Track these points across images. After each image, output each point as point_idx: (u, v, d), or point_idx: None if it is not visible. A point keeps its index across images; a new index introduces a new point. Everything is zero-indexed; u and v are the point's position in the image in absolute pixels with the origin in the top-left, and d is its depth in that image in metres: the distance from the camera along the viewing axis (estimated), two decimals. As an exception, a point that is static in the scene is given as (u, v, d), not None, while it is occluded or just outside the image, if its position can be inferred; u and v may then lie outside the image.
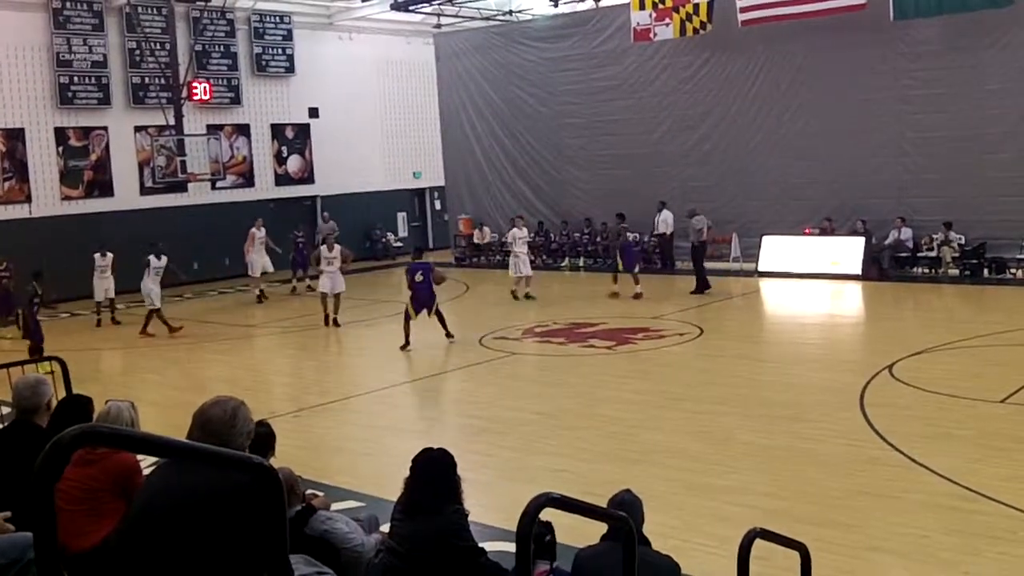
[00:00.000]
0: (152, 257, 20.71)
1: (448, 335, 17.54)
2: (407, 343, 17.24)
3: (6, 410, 8.04)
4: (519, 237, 23.04)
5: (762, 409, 11.97)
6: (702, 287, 22.11)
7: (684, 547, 7.00)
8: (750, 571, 5.11)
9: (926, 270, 23.15)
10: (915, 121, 23.12)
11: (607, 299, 21.93)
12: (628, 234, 23.28)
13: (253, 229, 25.01)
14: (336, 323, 20.08)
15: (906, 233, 23.24)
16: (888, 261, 23.42)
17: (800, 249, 24.38)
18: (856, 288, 22.46)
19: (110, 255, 21.79)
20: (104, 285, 21.83)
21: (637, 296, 21.70)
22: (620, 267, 22.44)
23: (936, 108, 22.75)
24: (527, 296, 22.60)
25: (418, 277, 17.45)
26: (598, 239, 28.28)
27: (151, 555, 3.40)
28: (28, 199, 26.13)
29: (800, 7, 23.42)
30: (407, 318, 17.35)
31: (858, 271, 23.06)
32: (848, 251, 23.58)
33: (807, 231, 24.63)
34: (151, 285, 20.40)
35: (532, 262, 24.76)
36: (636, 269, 22.42)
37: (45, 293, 18.26)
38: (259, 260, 24.89)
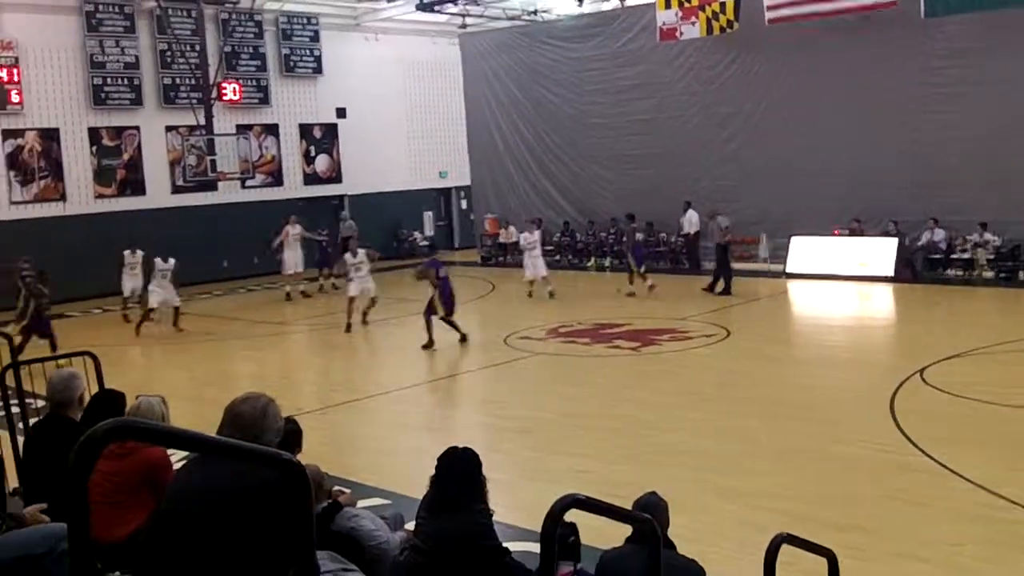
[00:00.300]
0: (158, 259, 20.76)
1: (463, 338, 17.48)
2: (431, 342, 17.27)
3: (40, 404, 8.12)
4: (530, 241, 23.38)
5: (790, 412, 11.91)
6: (720, 288, 22.09)
7: (709, 551, 6.96)
8: (776, 577, 5.10)
9: (960, 272, 22.89)
10: (947, 120, 22.78)
11: (629, 299, 22.02)
12: (637, 234, 23.64)
13: (288, 226, 25.09)
14: (364, 321, 19.98)
15: (939, 234, 22.99)
16: (921, 263, 23.22)
17: (830, 250, 24.24)
18: (887, 290, 22.30)
19: (140, 252, 21.94)
20: (133, 283, 21.99)
21: (651, 288, 22.23)
22: (635, 267, 22.88)
23: (969, 107, 22.39)
24: (551, 295, 22.73)
25: (442, 272, 17.54)
26: (623, 239, 28.24)
27: (180, 548, 3.44)
28: (63, 197, 26.48)
29: (829, 5, 23.25)
30: (431, 315, 17.33)
31: (890, 272, 22.88)
32: (880, 252, 23.41)
33: (836, 232, 24.48)
34: (152, 286, 20.52)
35: (557, 262, 25.06)
36: (643, 268, 22.85)
37: (51, 292, 18.46)
38: (292, 258, 24.97)
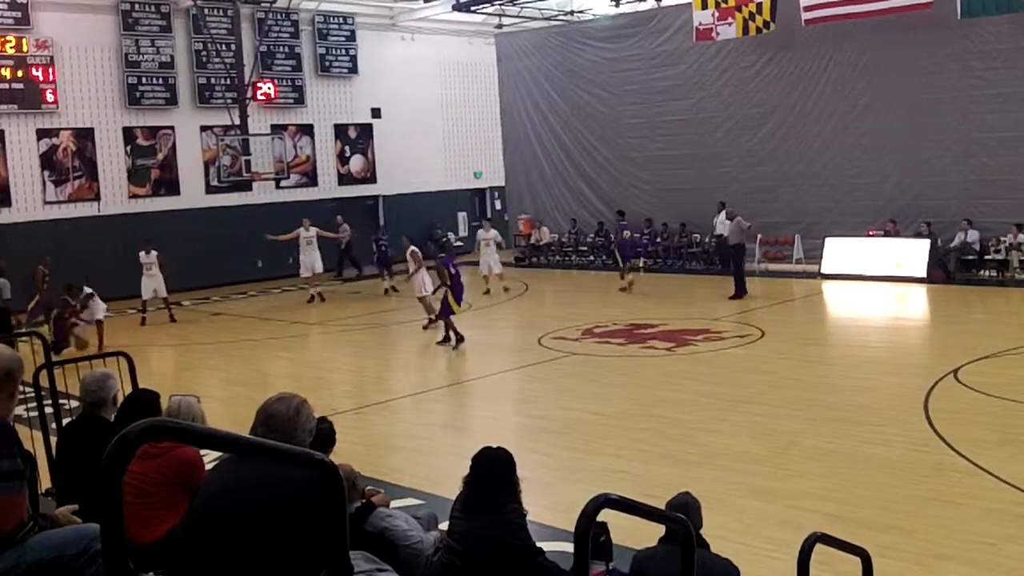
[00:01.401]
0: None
1: (452, 339, 17.52)
2: (461, 338, 17.28)
3: (73, 404, 8.17)
4: (484, 238, 24.44)
5: (824, 412, 11.84)
6: (741, 291, 21.91)
7: (743, 551, 6.94)
8: (810, 576, 5.06)
9: (994, 273, 22.71)
10: (983, 121, 22.69)
11: (664, 300, 22.00)
12: (625, 232, 24.53)
13: (300, 229, 24.76)
14: (428, 325, 19.35)
15: (973, 235, 22.82)
16: (954, 264, 23.04)
17: (864, 251, 24.07)
18: (921, 291, 22.14)
19: (155, 252, 21.95)
20: (152, 284, 21.88)
21: (622, 290, 23.25)
22: (622, 263, 24.04)
23: (1005, 108, 22.29)
24: (505, 289, 24.02)
25: (454, 269, 17.64)
26: (658, 239, 28.23)
27: (215, 548, 3.44)
28: (97, 197, 26.63)
29: (865, 6, 23.12)
30: (449, 315, 17.38)
31: (923, 274, 22.71)
32: (913, 253, 23.22)
33: (871, 233, 24.31)
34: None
35: (591, 262, 25.35)
36: (627, 264, 23.92)
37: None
38: (307, 260, 24.92)
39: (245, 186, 28.37)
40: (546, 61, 31.21)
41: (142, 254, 21.94)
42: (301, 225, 25.02)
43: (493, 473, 5.14)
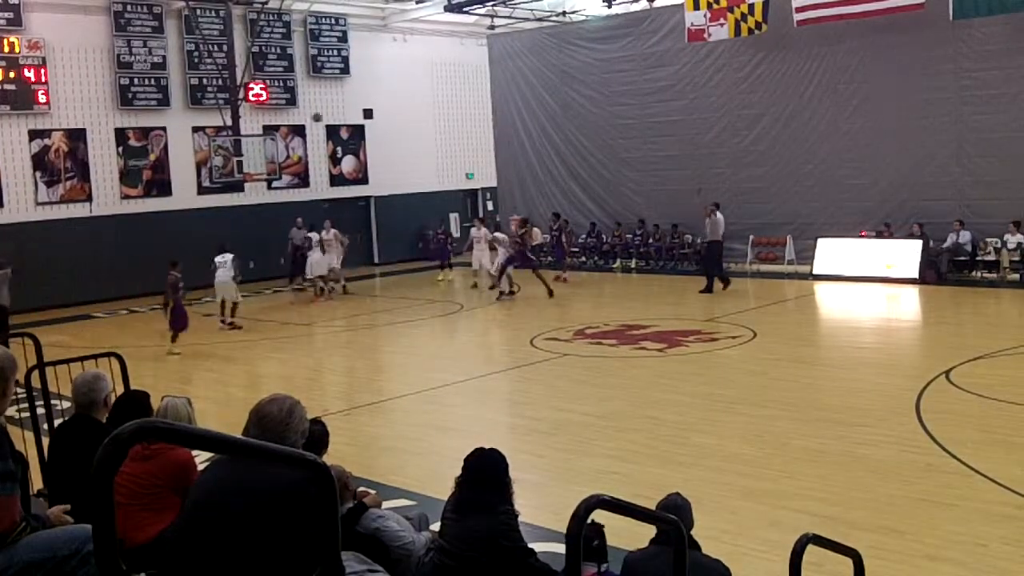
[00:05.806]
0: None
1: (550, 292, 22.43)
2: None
3: (65, 405, 8.15)
4: (477, 237, 25.26)
5: (816, 413, 11.85)
6: (712, 287, 22.29)
7: (735, 552, 6.94)
8: (802, 577, 5.07)
9: (987, 274, 22.75)
10: (975, 122, 22.72)
11: (661, 303, 21.93)
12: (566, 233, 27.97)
13: (472, 229, 25.77)
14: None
15: (965, 236, 22.85)
16: (946, 265, 23.07)
17: (856, 252, 24.10)
18: (913, 292, 22.16)
19: (229, 255, 20.88)
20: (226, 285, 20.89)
21: (557, 279, 25.65)
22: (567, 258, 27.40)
23: (997, 109, 22.34)
24: (492, 288, 24.49)
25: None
26: (650, 240, 28.24)
27: (206, 549, 3.44)
28: (89, 198, 26.55)
29: (857, 7, 23.14)
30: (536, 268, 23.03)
31: (914, 275, 22.73)
32: (905, 254, 23.25)
33: (863, 233, 24.34)
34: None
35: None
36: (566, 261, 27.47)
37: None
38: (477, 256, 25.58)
39: (237, 187, 28.31)
40: (538, 62, 31.20)
41: (218, 259, 20.80)
42: (472, 225, 26.34)
43: (485, 474, 5.14)
